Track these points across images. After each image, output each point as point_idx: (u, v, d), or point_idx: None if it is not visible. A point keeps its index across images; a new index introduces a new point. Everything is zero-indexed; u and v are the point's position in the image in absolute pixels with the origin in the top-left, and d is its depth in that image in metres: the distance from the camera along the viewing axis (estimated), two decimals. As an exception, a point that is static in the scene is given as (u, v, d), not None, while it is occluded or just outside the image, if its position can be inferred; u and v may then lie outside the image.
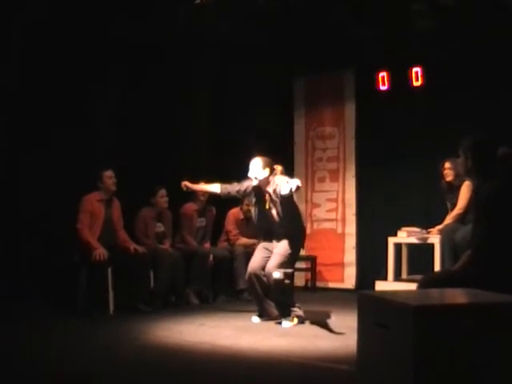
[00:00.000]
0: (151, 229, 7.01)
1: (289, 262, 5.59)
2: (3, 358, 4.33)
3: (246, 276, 5.80)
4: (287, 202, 5.56)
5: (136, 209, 7.00)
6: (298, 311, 5.64)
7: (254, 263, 5.73)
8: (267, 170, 5.63)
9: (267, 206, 5.64)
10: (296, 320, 5.58)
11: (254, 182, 5.70)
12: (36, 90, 6.62)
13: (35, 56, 6.63)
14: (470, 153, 3.75)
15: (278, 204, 5.58)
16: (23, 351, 4.60)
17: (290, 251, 5.55)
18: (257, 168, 5.63)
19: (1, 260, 6.28)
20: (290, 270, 5.64)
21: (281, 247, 5.58)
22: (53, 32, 6.66)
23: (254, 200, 5.82)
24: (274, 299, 5.68)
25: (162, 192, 7.00)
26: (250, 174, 5.68)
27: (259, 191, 5.73)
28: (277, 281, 5.45)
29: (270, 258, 5.62)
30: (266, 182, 5.65)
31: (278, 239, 5.65)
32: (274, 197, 5.58)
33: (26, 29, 6.58)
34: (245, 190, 5.86)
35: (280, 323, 5.59)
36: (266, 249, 5.74)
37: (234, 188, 5.90)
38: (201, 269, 7.09)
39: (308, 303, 6.60)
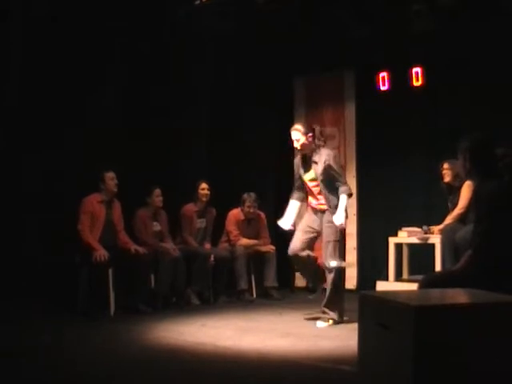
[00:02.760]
0: (150, 228, 7.01)
1: (340, 244, 5.69)
2: (2, 359, 4.32)
3: (290, 255, 5.80)
4: (329, 174, 5.55)
5: (134, 210, 6.99)
6: (332, 314, 5.67)
7: (294, 245, 5.76)
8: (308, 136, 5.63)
9: (311, 177, 5.65)
10: (331, 322, 5.64)
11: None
12: (36, 90, 6.61)
13: (36, 55, 6.62)
14: (468, 154, 3.74)
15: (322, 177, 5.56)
16: (23, 352, 4.59)
17: (337, 232, 5.59)
18: (298, 136, 5.66)
19: (1, 260, 6.28)
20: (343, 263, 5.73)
21: (329, 234, 5.60)
22: (53, 32, 6.66)
23: (302, 171, 5.78)
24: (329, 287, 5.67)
25: (157, 191, 6.99)
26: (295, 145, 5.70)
27: (305, 162, 5.72)
28: (335, 269, 5.57)
29: (311, 238, 5.74)
30: (311, 148, 5.65)
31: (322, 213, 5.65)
32: (319, 169, 5.55)
33: (26, 29, 6.58)
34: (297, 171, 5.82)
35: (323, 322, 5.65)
36: (309, 229, 5.73)
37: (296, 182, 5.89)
38: (202, 269, 7.10)
39: (309, 304, 6.61)
